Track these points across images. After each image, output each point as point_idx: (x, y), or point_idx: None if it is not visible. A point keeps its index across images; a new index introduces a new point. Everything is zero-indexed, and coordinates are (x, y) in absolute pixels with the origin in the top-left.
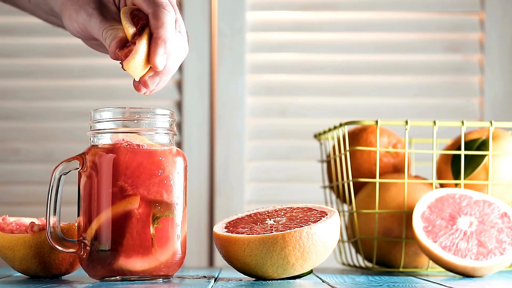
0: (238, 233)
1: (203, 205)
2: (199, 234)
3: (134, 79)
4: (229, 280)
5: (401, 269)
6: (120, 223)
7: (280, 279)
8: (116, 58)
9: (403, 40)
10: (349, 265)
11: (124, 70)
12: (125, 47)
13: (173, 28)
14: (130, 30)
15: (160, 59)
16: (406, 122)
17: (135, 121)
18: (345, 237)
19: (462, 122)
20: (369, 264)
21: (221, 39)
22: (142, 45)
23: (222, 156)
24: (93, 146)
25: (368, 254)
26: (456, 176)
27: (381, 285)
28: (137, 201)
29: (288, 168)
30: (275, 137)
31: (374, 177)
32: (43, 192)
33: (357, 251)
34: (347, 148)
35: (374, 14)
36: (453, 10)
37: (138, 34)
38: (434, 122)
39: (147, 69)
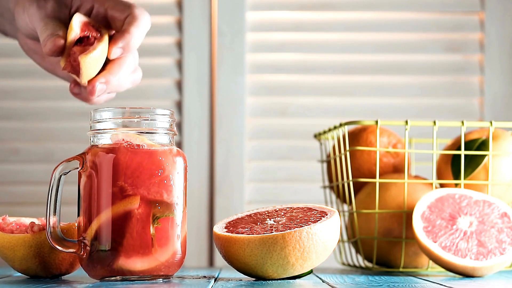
0: (238, 233)
1: (203, 205)
2: (199, 234)
3: (71, 84)
4: (229, 280)
5: (401, 269)
6: (120, 223)
7: (280, 279)
8: (50, 53)
9: (403, 40)
10: (349, 265)
11: (64, 69)
12: (64, 50)
13: (142, 36)
14: (73, 33)
15: (117, 50)
16: (406, 122)
17: (135, 121)
18: (345, 237)
19: (462, 122)
20: (369, 264)
21: (221, 39)
22: (101, 45)
23: (222, 156)
24: (93, 146)
25: (368, 254)
26: (456, 176)
27: (381, 285)
28: (137, 201)
29: (288, 168)
30: (275, 137)
31: (374, 177)
32: (43, 192)
33: (357, 251)
34: (347, 148)
35: (374, 14)
36: (453, 10)
37: (79, 42)
38: (434, 122)
39: (96, 72)
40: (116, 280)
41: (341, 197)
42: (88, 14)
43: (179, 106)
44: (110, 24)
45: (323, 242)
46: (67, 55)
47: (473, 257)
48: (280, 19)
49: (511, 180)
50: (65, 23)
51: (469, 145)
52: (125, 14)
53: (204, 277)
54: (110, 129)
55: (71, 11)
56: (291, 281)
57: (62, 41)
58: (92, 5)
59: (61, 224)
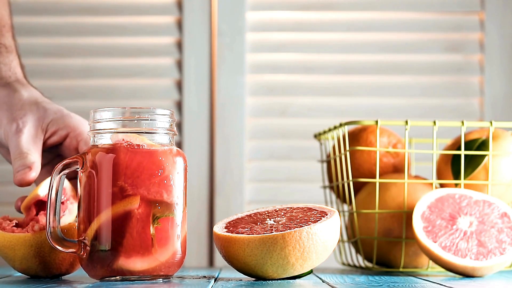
0: (238, 233)
1: (203, 205)
2: (199, 234)
3: (18, 201)
4: (229, 280)
5: (401, 269)
6: (120, 223)
7: (280, 279)
8: (19, 184)
9: (403, 40)
10: (349, 265)
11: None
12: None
13: None
14: (40, 192)
15: None
16: (406, 122)
17: (135, 121)
18: (345, 237)
19: (462, 122)
20: (369, 264)
21: (221, 39)
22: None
23: (222, 156)
24: (93, 146)
25: (368, 254)
26: (456, 176)
27: (381, 285)
28: (137, 201)
29: (288, 168)
30: (275, 137)
31: (374, 177)
32: None
33: (357, 251)
34: (347, 148)
35: (374, 14)
36: (453, 10)
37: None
38: (434, 122)
39: None
40: (116, 280)
41: (341, 197)
42: (61, 140)
43: (179, 106)
44: None
45: (323, 242)
46: (28, 209)
47: (473, 257)
48: (280, 19)
49: (511, 180)
50: (39, 148)
51: (469, 145)
52: None
53: (204, 277)
54: (110, 129)
55: (46, 135)
56: (291, 281)
57: (33, 175)
58: (67, 134)
59: (61, 224)
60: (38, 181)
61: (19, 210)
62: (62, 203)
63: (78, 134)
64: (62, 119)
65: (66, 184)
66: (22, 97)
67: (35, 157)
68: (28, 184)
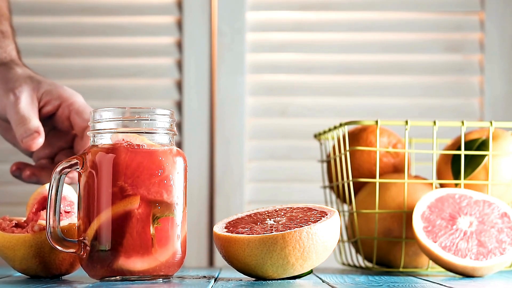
0: (238, 233)
1: (203, 205)
2: (199, 234)
3: (13, 166)
4: (229, 280)
5: (401, 269)
6: (120, 223)
7: (280, 279)
8: (29, 149)
9: (403, 40)
10: (349, 265)
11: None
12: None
13: None
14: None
15: None
16: (406, 122)
17: (135, 121)
18: (345, 237)
19: (462, 122)
20: (369, 264)
21: (221, 39)
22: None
23: (222, 156)
24: (93, 146)
25: (368, 254)
26: (456, 176)
27: (381, 285)
28: (137, 201)
29: (288, 168)
30: (275, 137)
31: (374, 177)
32: None
33: (357, 251)
34: (347, 148)
35: (374, 14)
36: (453, 10)
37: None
38: (434, 122)
39: None
40: (116, 280)
41: (341, 197)
42: (55, 110)
43: (179, 106)
44: (72, 125)
45: (323, 242)
46: (33, 206)
47: (473, 257)
48: (280, 19)
49: (511, 180)
50: (37, 115)
51: (469, 145)
52: (85, 123)
53: (204, 277)
54: (110, 129)
55: (40, 104)
56: (291, 281)
57: (40, 140)
58: (60, 103)
59: (61, 224)
60: (35, 154)
61: (13, 174)
62: (68, 212)
63: (71, 104)
64: (56, 90)
65: (74, 198)
66: (17, 73)
67: (37, 122)
68: (35, 149)
